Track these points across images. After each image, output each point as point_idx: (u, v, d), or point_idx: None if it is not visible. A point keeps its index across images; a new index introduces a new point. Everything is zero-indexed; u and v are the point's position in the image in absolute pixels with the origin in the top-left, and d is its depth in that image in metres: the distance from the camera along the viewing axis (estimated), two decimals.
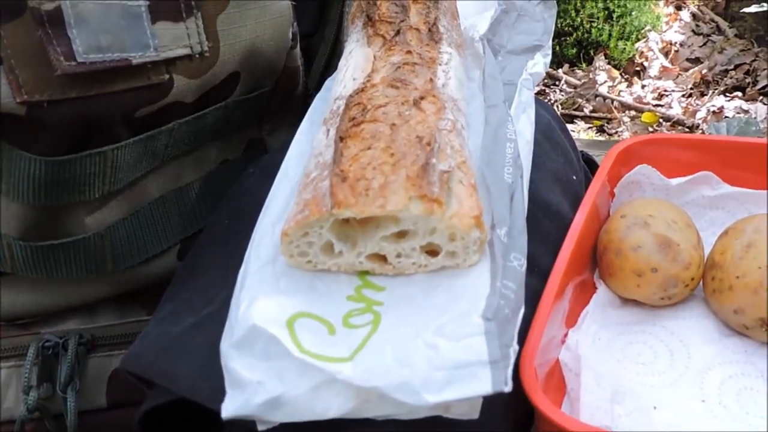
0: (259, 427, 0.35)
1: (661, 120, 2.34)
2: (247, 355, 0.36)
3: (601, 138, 2.30)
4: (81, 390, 0.57)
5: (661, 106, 2.42)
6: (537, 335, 0.44)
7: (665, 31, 2.76)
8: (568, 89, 2.54)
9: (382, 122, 0.42)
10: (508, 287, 0.38)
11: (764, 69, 2.42)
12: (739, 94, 2.37)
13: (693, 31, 2.75)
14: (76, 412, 0.56)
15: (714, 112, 2.27)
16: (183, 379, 0.42)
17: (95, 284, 0.57)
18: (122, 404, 0.59)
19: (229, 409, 0.35)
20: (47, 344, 0.56)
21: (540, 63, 0.58)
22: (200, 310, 0.46)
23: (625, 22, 2.63)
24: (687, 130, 2.26)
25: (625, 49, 2.61)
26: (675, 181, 0.60)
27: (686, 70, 2.58)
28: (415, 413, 0.35)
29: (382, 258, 0.40)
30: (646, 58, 2.63)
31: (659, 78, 2.57)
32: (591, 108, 2.45)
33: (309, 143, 0.48)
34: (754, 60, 2.50)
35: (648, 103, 2.44)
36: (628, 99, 2.46)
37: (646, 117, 2.36)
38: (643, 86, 2.54)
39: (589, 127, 2.37)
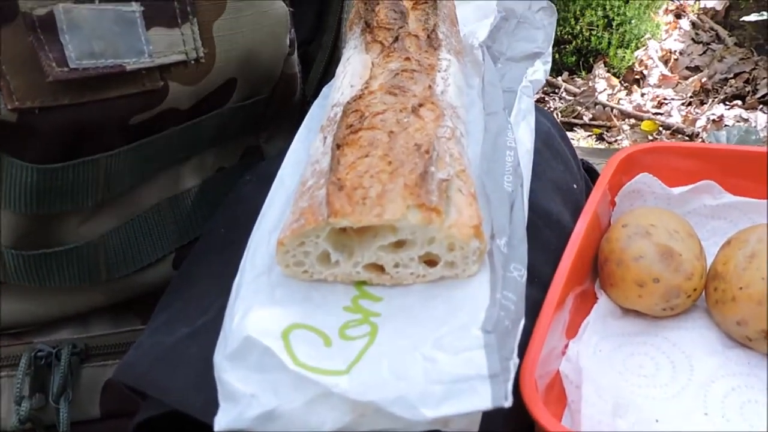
0: None
1: (660, 128, 2.34)
2: (240, 367, 0.35)
3: (601, 146, 2.30)
4: (74, 400, 0.56)
5: (661, 114, 2.42)
6: (537, 346, 0.43)
7: (665, 40, 2.77)
8: (568, 97, 2.54)
9: (379, 130, 0.41)
10: (508, 298, 0.38)
11: (764, 78, 2.42)
12: (739, 102, 2.37)
13: (693, 39, 2.75)
14: (68, 422, 0.55)
15: (714, 120, 2.27)
16: (176, 390, 0.41)
17: (89, 293, 0.56)
18: (116, 415, 0.58)
19: (221, 422, 0.34)
20: (40, 354, 0.55)
21: (540, 70, 0.58)
22: (195, 319, 0.45)
23: (625, 30, 2.64)
24: (687, 138, 2.26)
25: (624, 57, 2.61)
26: (676, 190, 0.59)
27: (686, 78, 2.58)
28: (413, 428, 0.34)
29: (380, 268, 0.39)
30: (646, 67, 2.63)
31: (659, 86, 2.57)
32: (590, 116, 2.45)
33: (306, 151, 0.47)
34: (754, 69, 2.50)
35: (647, 112, 2.44)
36: (627, 107, 2.46)
37: (645, 125, 2.36)
38: (642, 94, 2.54)
39: (588, 135, 2.37)
